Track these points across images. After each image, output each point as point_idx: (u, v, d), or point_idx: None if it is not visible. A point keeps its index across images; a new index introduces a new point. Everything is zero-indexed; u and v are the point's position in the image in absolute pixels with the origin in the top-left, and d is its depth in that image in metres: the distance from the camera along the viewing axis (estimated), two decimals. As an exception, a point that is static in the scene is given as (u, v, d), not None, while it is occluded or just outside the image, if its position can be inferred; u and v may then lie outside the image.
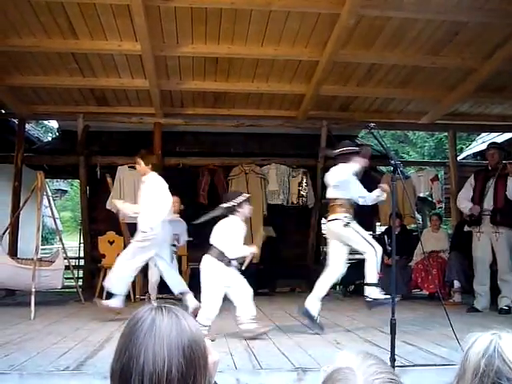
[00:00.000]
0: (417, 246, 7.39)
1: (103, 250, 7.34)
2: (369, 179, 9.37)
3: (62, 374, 3.07)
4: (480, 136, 11.50)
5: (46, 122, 16.13)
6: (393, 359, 2.86)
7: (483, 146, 9.84)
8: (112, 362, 1.03)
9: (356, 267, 8.73)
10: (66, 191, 26.17)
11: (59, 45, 6.03)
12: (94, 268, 7.81)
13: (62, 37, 5.91)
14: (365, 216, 9.04)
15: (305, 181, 8.45)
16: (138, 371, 0.97)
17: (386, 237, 7.71)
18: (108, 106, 7.98)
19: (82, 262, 8.90)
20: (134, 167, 8.09)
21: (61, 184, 24.54)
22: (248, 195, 4.62)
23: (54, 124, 13.82)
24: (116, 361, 1.02)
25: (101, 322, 5.04)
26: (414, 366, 3.24)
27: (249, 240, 8.18)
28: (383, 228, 9.05)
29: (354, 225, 4.61)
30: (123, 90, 7.51)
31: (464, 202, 6.23)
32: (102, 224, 8.14)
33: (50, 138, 13.23)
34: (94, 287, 7.09)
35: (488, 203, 5.97)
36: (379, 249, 4.64)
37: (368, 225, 9.59)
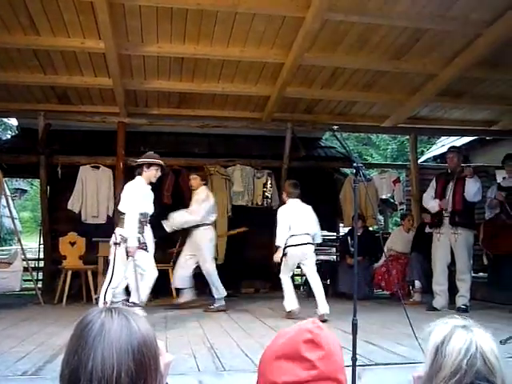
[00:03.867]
0: (379, 246, 7.52)
1: (64, 251, 7.20)
2: (332, 181, 9.53)
3: (19, 378, 3.00)
4: (440, 139, 11.81)
5: (5, 120, 15.70)
6: (354, 359, 2.90)
7: (443, 150, 10.12)
8: (61, 366, 1.00)
9: (320, 268, 8.85)
10: (25, 191, 25.55)
11: (19, 41, 5.87)
12: (54, 270, 7.63)
13: (23, 32, 5.76)
14: (328, 217, 9.20)
15: (269, 182, 8.49)
16: (86, 377, 0.95)
17: (349, 238, 7.84)
18: (70, 104, 7.83)
19: (41, 264, 8.70)
20: (96, 167, 8.02)
21: (20, 183, 23.93)
22: None
23: (13, 122, 13.46)
24: (65, 365, 1.00)
25: (60, 325, 4.93)
26: (375, 364, 3.30)
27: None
28: (346, 229, 9.18)
29: None
30: (86, 89, 7.38)
31: (430, 201, 6.38)
32: (62, 225, 7.97)
33: (9, 136, 12.89)
34: (55, 289, 6.94)
35: (447, 205, 6.13)
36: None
37: (331, 226, 9.73)
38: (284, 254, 5.70)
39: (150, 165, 5.05)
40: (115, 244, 4.80)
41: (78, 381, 0.96)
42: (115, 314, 1.03)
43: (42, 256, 8.62)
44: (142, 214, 4.90)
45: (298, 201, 5.88)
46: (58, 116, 7.78)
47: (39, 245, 9.26)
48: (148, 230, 5.05)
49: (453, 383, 1.10)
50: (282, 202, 6.25)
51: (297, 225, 5.68)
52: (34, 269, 8.55)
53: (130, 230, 4.79)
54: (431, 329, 1.19)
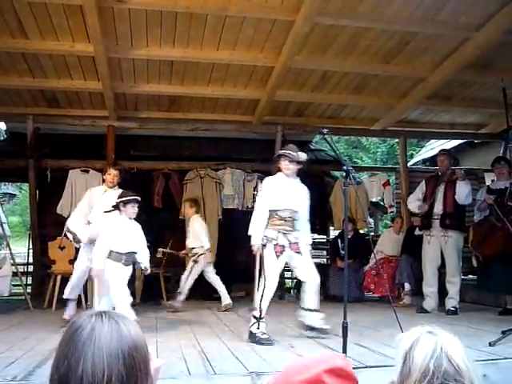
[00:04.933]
0: (369, 249, 7.54)
1: (53, 255, 7.14)
2: (322, 184, 9.55)
3: (9, 383, 2.97)
4: (429, 143, 11.88)
5: (-7, 124, 15.56)
6: (345, 361, 2.90)
7: (432, 153, 10.18)
8: (51, 371, 0.99)
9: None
10: (14, 195, 25.35)
11: (8, 44, 5.83)
12: (43, 274, 7.57)
13: (11, 36, 5.73)
14: (318, 220, 9.21)
15: (260, 185, 8.48)
16: (76, 382, 0.94)
17: (339, 241, 7.86)
18: (59, 107, 7.78)
19: (30, 269, 8.62)
20: (86, 171, 7.97)
21: (9, 188, 23.74)
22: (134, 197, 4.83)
23: (2, 126, 13.34)
24: (55, 370, 0.99)
25: (50, 330, 4.89)
26: (365, 367, 3.31)
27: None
28: (337, 232, 9.20)
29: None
30: (75, 92, 7.34)
31: (413, 202, 6.46)
32: (52, 229, 7.89)
33: (-3, 140, 12.77)
34: (44, 294, 6.88)
35: (438, 208, 6.17)
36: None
37: (322, 229, 9.75)
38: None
39: (279, 156, 4.68)
40: (262, 246, 4.45)
41: None
42: (105, 319, 1.02)
43: (31, 260, 8.54)
44: (273, 211, 4.50)
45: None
46: (47, 120, 7.72)
47: (28, 249, 9.18)
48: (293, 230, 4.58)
49: None
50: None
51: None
52: (23, 273, 8.46)
53: (252, 228, 4.51)
54: (400, 337, 1.24)
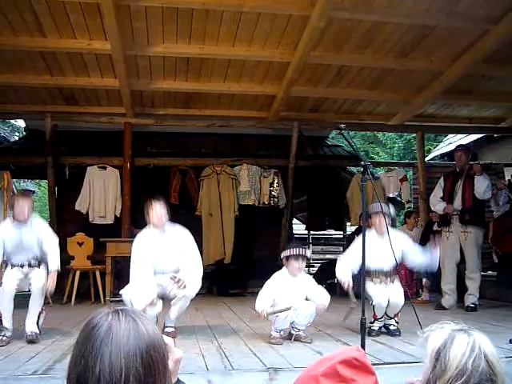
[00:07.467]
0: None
1: (72, 251, 7.22)
2: (339, 180, 9.51)
3: (29, 378, 3.01)
4: (447, 137, 11.75)
5: (12, 122, 15.75)
6: (363, 358, 2.89)
7: (450, 147, 10.08)
8: (68, 369, 0.98)
9: (327, 267, 8.83)
10: (33, 192, 25.67)
11: (26, 43, 5.90)
12: (62, 270, 7.63)
13: (29, 35, 5.79)
14: (335, 216, 9.19)
15: (276, 181, 8.48)
16: (94, 380, 0.93)
17: (356, 236, 7.81)
18: (77, 105, 7.85)
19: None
20: (103, 168, 8.05)
21: (28, 184, 24.04)
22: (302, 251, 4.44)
23: (21, 123, 13.52)
24: (72, 369, 0.98)
25: (69, 325, 4.96)
26: (383, 363, 3.29)
27: (220, 241, 8.20)
28: (353, 228, 9.15)
29: None
30: (93, 90, 7.40)
31: (437, 203, 6.35)
32: (70, 225, 8.00)
33: (16, 138, 12.96)
34: (63, 290, 6.96)
35: (457, 203, 6.10)
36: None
37: (338, 224, 9.71)
38: None
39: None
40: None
41: None
42: (122, 316, 1.01)
43: (50, 256, 8.64)
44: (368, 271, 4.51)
45: None
46: (65, 117, 7.82)
47: (47, 245, 9.28)
48: None
49: None
50: None
51: None
52: (43, 269, 8.56)
53: (338, 274, 4.79)
54: (427, 335, 1.22)
